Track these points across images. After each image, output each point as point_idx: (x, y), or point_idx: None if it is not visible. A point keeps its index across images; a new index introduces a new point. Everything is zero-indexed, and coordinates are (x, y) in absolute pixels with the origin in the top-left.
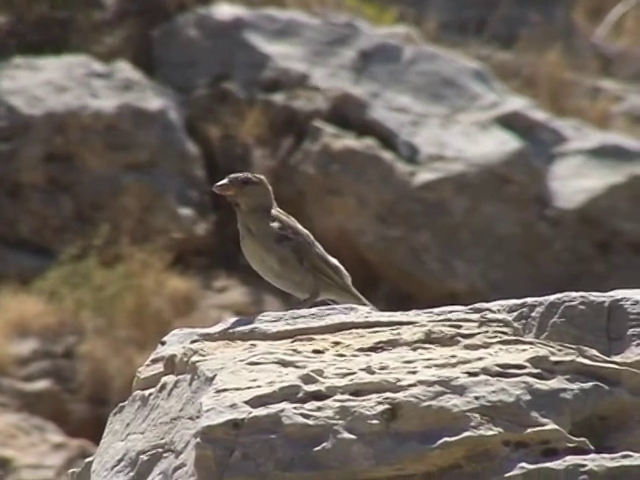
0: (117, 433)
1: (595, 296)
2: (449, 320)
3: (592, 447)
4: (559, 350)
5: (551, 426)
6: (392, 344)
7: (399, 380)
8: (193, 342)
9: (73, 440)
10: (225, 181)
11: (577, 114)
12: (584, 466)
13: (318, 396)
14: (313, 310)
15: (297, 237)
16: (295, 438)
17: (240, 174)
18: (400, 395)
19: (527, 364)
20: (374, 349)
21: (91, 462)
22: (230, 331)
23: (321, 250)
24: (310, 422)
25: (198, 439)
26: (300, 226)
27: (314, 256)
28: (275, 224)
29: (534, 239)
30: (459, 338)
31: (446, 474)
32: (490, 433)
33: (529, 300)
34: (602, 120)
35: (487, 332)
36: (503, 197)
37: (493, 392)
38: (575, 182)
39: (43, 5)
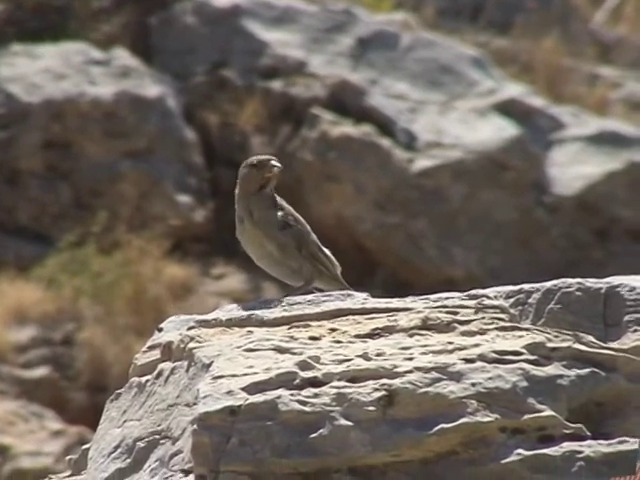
0: (114, 420)
1: (592, 282)
2: (445, 307)
3: (588, 433)
4: (556, 336)
5: (548, 412)
6: (389, 330)
7: (396, 366)
8: (190, 329)
9: (72, 427)
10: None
11: (575, 100)
12: (581, 452)
13: (315, 383)
14: (309, 297)
15: (297, 225)
16: (292, 425)
17: (272, 157)
18: (397, 381)
19: (524, 350)
20: (371, 335)
21: (88, 449)
22: (227, 318)
23: (316, 239)
24: (307, 409)
25: (195, 426)
26: (297, 214)
27: (312, 244)
28: (279, 211)
29: (532, 226)
30: (456, 325)
31: (443, 460)
32: (486, 420)
33: (526, 286)
34: (600, 107)
35: (483, 319)
36: (501, 184)
37: (490, 379)
38: (573, 169)
39: None
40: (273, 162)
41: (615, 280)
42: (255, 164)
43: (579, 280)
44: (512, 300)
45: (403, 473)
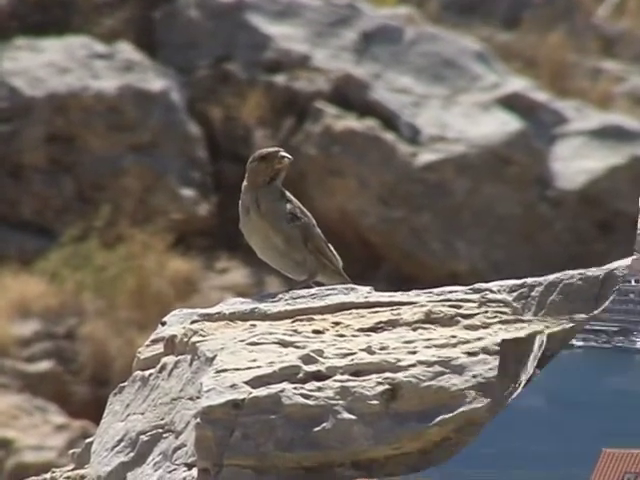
0: (117, 414)
1: (592, 271)
2: (449, 300)
3: None
4: (553, 324)
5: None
6: (392, 324)
7: (399, 360)
8: (193, 322)
9: (75, 421)
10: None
11: (578, 95)
12: None
13: (318, 376)
14: (313, 290)
15: (304, 217)
16: (295, 418)
17: (281, 149)
18: (400, 375)
19: None
20: (374, 329)
21: (91, 443)
22: (230, 312)
23: (320, 233)
24: (310, 402)
25: (198, 419)
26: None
27: (318, 238)
28: (287, 203)
29: (535, 220)
30: (459, 318)
31: (438, 448)
32: (480, 405)
33: (529, 280)
34: (603, 101)
35: (487, 312)
36: (504, 178)
37: (490, 369)
38: (576, 163)
39: None
40: (282, 153)
41: (614, 265)
42: (264, 156)
43: (581, 271)
44: (515, 294)
45: (403, 465)
